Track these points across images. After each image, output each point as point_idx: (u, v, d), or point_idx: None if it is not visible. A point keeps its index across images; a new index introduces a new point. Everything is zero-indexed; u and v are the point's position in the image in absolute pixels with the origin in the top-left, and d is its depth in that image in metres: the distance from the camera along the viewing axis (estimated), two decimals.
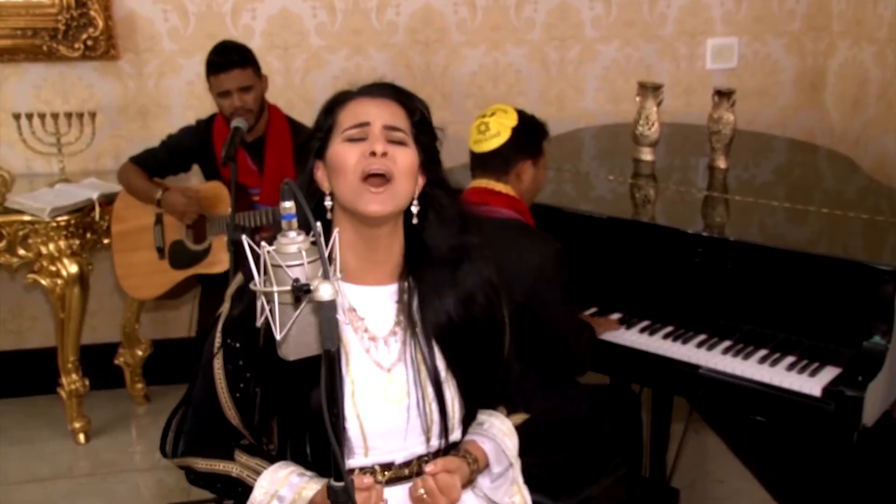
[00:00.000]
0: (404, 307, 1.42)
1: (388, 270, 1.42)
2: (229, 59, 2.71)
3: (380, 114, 1.37)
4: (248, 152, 2.86)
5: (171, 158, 2.94)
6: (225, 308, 1.42)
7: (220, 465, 1.42)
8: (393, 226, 1.40)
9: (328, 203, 1.40)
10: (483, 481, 1.49)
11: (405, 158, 1.35)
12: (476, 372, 1.44)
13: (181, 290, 3.04)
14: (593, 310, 2.33)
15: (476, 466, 1.44)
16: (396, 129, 1.37)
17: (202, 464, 1.44)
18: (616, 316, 2.28)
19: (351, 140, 1.36)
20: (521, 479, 1.54)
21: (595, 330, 2.20)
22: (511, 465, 1.49)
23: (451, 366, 1.41)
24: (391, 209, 1.35)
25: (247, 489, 1.39)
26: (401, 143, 1.36)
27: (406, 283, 1.43)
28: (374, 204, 1.33)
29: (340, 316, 1.34)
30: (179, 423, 1.49)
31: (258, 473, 1.38)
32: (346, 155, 1.34)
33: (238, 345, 1.38)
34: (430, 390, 1.39)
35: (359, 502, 1.26)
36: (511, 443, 1.50)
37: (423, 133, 1.42)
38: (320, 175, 1.41)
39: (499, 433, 1.48)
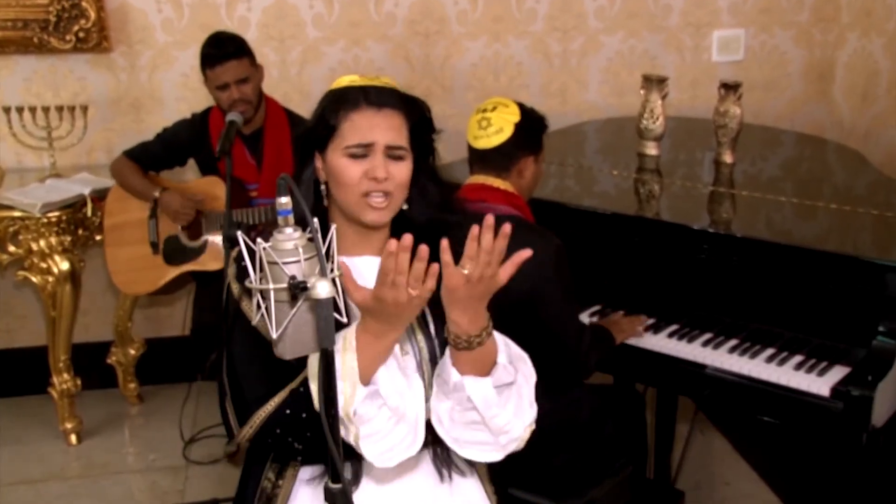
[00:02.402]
0: None
1: (377, 245, 1.50)
2: (225, 51, 2.67)
3: (384, 133, 1.43)
4: (246, 145, 2.83)
5: (166, 152, 2.91)
6: (232, 268, 1.48)
7: (285, 392, 1.39)
8: None
9: (324, 189, 1.48)
10: (484, 385, 1.38)
11: (402, 172, 1.44)
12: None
13: (175, 286, 3.00)
14: (597, 307, 2.29)
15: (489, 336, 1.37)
16: (398, 147, 1.44)
17: (271, 405, 1.39)
18: (619, 314, 2.24)
19: (353, 157, 1.43)
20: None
21: (615, 337, 2.13)
22: (514, 382, 1.41)
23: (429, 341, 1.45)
24: (389, 217, 1.46)
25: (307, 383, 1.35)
26: (400, 158, 1.44)
27: None
28: (373, 215, 1.44)
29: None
30: (234, 399, 1.44)
31: None
32: (347, 171, 1.42)
33: None
34: (426, 365, 1.43)
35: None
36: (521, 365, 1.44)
37: (421, 132, 1.48)
38: (318, 166, 1.48)
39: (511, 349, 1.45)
